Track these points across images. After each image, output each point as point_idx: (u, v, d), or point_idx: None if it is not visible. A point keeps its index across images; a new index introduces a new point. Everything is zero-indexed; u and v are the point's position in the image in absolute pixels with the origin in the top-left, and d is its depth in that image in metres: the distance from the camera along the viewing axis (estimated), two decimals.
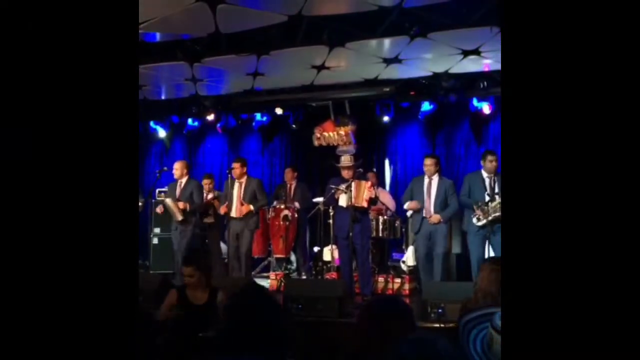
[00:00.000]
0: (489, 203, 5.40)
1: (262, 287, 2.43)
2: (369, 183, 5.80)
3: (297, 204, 7.15)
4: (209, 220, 7.04)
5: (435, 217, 5.69)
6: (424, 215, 5.73)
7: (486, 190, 5.45)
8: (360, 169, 5.99)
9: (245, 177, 6.33)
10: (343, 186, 5.75)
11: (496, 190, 5.40)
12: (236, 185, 6.27)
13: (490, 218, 5.36)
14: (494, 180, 5.47)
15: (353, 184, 5.73)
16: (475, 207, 5.48)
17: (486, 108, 7.43)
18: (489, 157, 5.59)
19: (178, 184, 6.54)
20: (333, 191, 5.84)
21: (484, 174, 5.58)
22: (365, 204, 5.71)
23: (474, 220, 5.46)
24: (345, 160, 5.95)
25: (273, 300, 1.90)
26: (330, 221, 6.48)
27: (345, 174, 5.83)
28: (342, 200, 5.77)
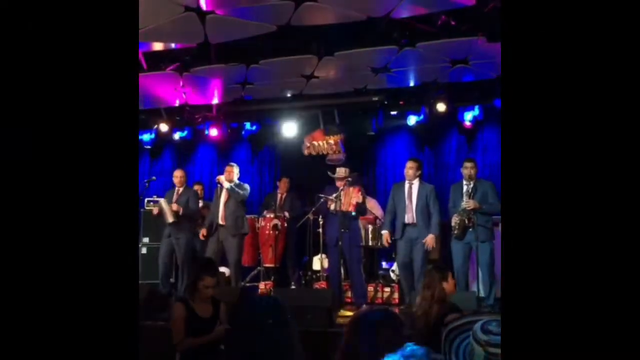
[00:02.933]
0: (460, 210, 5.44)
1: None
2: (357, 188, 5.78)
3: (286, 214, 7.14)
4: (199, 229, 7.01)
5: (430, 240, 5.55)
6: (405, 221, 5.68)
7: (463, 198, 5.48)
8: (349, 179, 5.99)
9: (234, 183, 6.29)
10: (333, 196, 5.75)
11: (470, 197, 5.42)
12: (223, 191, 6.22)
13: (462, 224, 5.41)
14: (472, 187, 5.48)
15: (342, 192, 5.74)
16: (454, 219, 5.51)
17: (467, 122, 7.51)
18: (465, 164, 5.63)
19: (175, 191, 6.55)
20: (322, 200, 5.85)
21: (464, 182, 5.61)
22: (351, 208, 5.70)
23: (454, 232, 5.52)
24: (341, 172, 5.95)
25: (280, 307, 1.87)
26: (320, 230, 6.49)
27: (340, 182, 5.84)
28: (332, 208, 5.78)
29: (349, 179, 5.91)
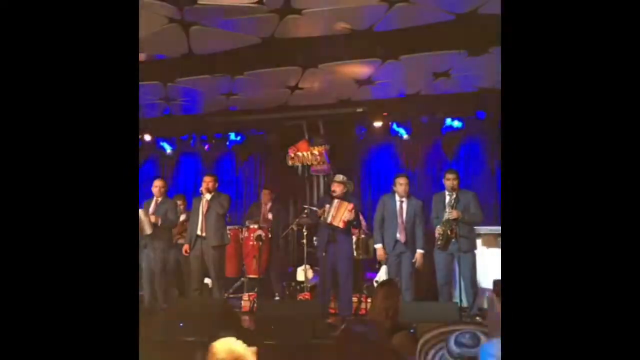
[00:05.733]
0: (444, 221, 5.48)
1: None
2: (351, 205, 5.72)
3: (270, 217, 7.13)
4: (182, 240, 6.95)
5: (419, 257, 5.66)
6: (397, 237, 5.72)
7: (445, 209, 5.52)
8: (346, 184, 5.98)
9: (214, 194, 6.22)
10: (327, 206, 5.74)
11: (452, 207, 5.47)
12: (203, 202, 6.15)
13: (445, 234, 5.44)
14: (454, 198, 5.53)
15: (334, 203, 5.72)
16: (437, 230, 5.55)
17: (445, 132, 7.62)
18: (447, 176, 5.67)
19: (154, 201, 6.44)
20: (307, 211, 5.83)
21: (446, 193, 5.65)
22: (341, 225, 5.68)
23: (438, 243, 5.55)
24: (338, 177, 5.96)
25: None
26: (304, 241, 6.48)
27: (335, 186, 5.81)
28: (323, 218, 5.76)
29: (346, 185, 5.89)
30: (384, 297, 3.42)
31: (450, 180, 5.60)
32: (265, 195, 7.44)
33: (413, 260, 5.66)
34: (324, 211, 5.71)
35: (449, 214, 5.45)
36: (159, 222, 6.19)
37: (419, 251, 5.67)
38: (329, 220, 5.65)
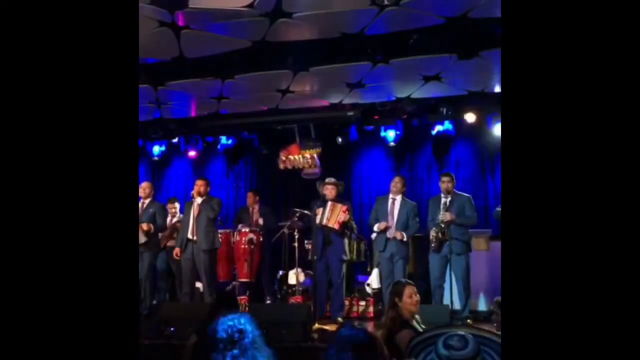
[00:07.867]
0: (438, 223, 5.50)
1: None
2: (345, 207, 5.75)
3: (261, 221, 7.10)
4: (172, 243, 6.91)
5: (399, 233, 5.70)
6: (387, 236, 5.75)
7: (440, 212, 5.54)
8: (339, 186, 6.00)
9: (205, 197, 6.18)
10: (321, 209, 5.75)
11: (447, 210, 5.50)
12: (194, 206, 6.11)
13: (438, 237, 5.46)
14: (449, 200, 5.56)
15: (328, 205, 5.74)
16: (431, 233, 5.57)
17: (435, 135, 7.66)
18: (443, 178, 5.72)
19: (140, 204, 6.38)
20: (298, 214, 5.83)
21: (442, 196, 5.68)
22: (336, 226, 5.70)
23: (432, 245, 5.57)
24: (329, 180, 5.99)
25: None
26: (296, 244, 6.48)
27: (329, 191, 5.83)
28: (317, 221, 5.78)
29: (338, 187, 5.93)
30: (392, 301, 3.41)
31: (445, 182, 5.65)
32: (250, 197, 7.43)
33: (392, 236, 5.69)
34: (319, 212, 5.72)
35: (442, 216, 5.48)
36: (152, 229, 6.14)
37: (402, 232, 5.69)
38: (324, 222, 5.67)
